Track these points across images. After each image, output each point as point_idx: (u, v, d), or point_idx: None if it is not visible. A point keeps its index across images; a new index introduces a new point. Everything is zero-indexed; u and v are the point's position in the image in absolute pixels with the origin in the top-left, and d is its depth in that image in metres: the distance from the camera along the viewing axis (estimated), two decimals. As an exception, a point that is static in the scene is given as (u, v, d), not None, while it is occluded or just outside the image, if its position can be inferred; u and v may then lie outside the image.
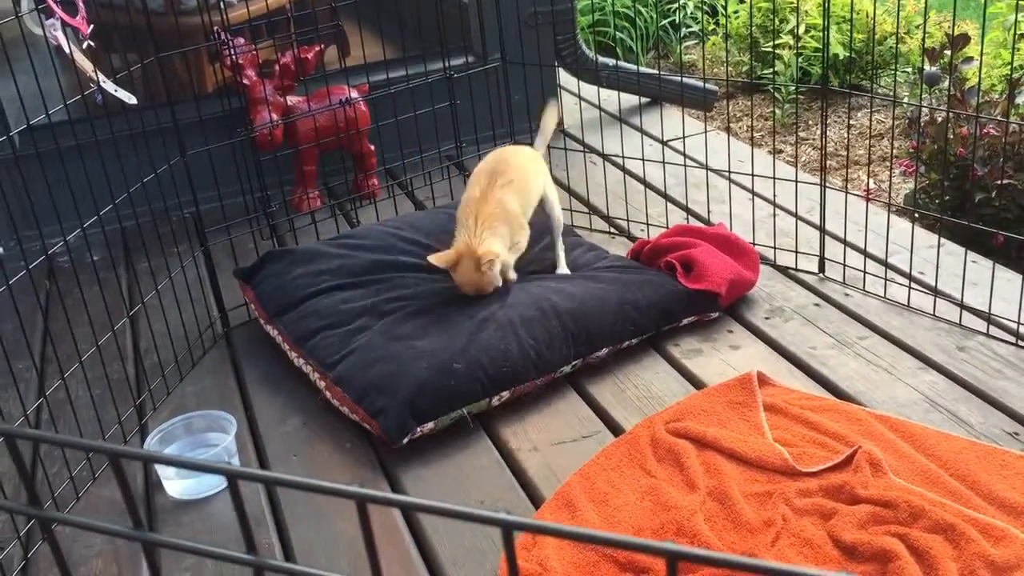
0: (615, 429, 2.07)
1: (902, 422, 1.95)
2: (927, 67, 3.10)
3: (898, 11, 2.20)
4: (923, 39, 2.39)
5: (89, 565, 1.82)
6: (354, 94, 3.00)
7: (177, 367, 2.36)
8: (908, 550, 1.61)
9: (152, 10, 2.60)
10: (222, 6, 2.79)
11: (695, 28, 5.16)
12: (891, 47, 3.97)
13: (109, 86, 1.97)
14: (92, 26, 2.00)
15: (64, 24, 1.99)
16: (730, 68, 4.71)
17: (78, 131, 2.12)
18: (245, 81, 2.86)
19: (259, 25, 3.07)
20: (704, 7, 5.25)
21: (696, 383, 2.18)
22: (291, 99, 2.97)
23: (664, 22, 5.25)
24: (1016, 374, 2.08)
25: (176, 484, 1.98)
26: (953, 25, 2.36)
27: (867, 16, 4.17)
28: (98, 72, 2.07)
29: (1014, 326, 2.18)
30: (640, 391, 2.18)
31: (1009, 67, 2.39)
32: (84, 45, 1.99)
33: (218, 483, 1.99)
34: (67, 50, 1.91)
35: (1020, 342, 2.17)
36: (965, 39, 3.15)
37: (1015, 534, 1.64)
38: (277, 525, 1.89)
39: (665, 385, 2.19)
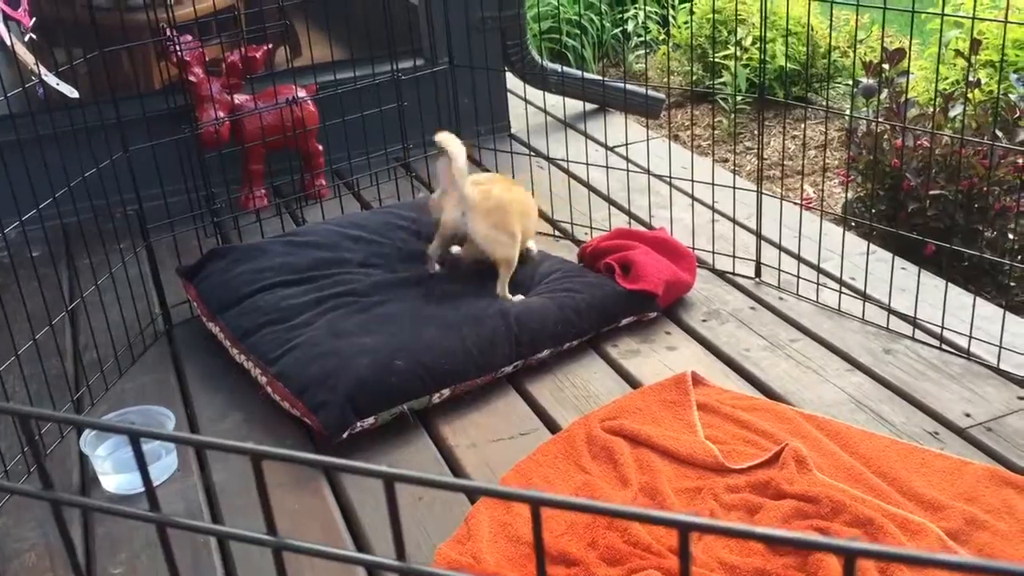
0: (552, 427, 2.10)
1: (828, 421, 2.01)
2: (864, 79, 3.19)
3: (831, 24, 2.27)
4: (855, 52, 2.47)
5: (21, 559, 1.82)
6: (302, 93, 3.01)
7: (116, 363, 2.35)
8: (829, 543, 1.66)
9: (97, 5, 2.59)
10: (169, 3, 2.79)
11: (645, 37, 5.24)
12: (831, 61, 4.07)
13: (51, 79, 1.97)
14: (35, 19, 2.00)
15: (6, 17, 1.98)
16: (679, 78, 4.79)
17: (19, 125, 2.11)
18: (191, 78, 2.86)
19: (207, 23, 3.07)
20: (655, 17, 5.33)
21: (633, 383, 2.23)
22: (238, 97, 2.97)
23: (615, 31, 5.32)
24: (939, 376, 2.16)
25: (112, 479, 1.98)
26: (882, 37, 2.43)
27: (812, 29, 4.27)
28: (40, 65, 2.07)
29: (938, 330, 2.26)
30: (578, 390, 2.22)
31: (936, 81, 2.47)
32: (26, 38, 1.99)
33: (155, 478, 1.99)
34: (8, 43, 1.90)
35: (944, 346, 2.25)
36: (901, 53, 3.25)
37: (931, 528, 1.70)
38: (214, 520, 1.90)
39: (602, 384, 2.23)
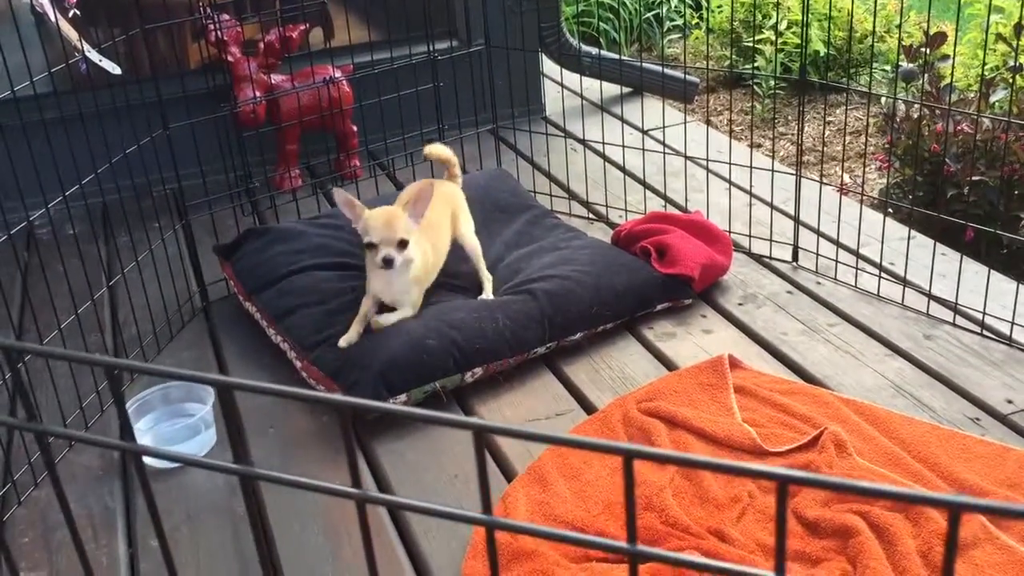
0: (589, 408, 2.10)
1: (868, 406, 1.99)
2: (903, 63, 3.15)
3: (875, 9, 2.24)
4: (899, 36, 2.43)
5: (64, 529, 1.84)
6: (338, 74, 3.01)
7: (155, 339, 2.38)
8: (869, 527, 1.65)
9: (138, -16, 2.60)
10: (208, -18, 2.80)
11: (679, 22, 5.21)
12: (870, 45, 4.02)
13: (94, 55, 1.98)
14: (78, -5, 2.01)
15: (50, -7, 2.00)
16: (712, 62, 4.75)
17: (62, 103, 2.13)
18: (229, 58, 2.87)
19: (244, 2, 3.08)
20: (688, 1, 5.29)
21: (669, 365, 2.22)
22: (275, 77, 2.98)
23: (648, 15, 5.28)
24: (979, 362, 2.13)
25: (153, 453, 2.00)
26: (928, 22, 2.40)
27: (848, 14, 4.22)
28: (83, 41, 2.08)
29: (979, 316, 2.23)
30: (614, 372, 2.22)
31: (983, 66, 2.44)
32: (70, 14, 2.00)
33: (195, 451, 2.01)
34: (52, 18, 1.92)
35: (985, 332, 2.22)
36: (942, 37, 3.20)
37: (972, 514, 1.69)
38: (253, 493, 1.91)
39: (639, 367, 2.23)
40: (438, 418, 0.46)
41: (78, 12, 2.04)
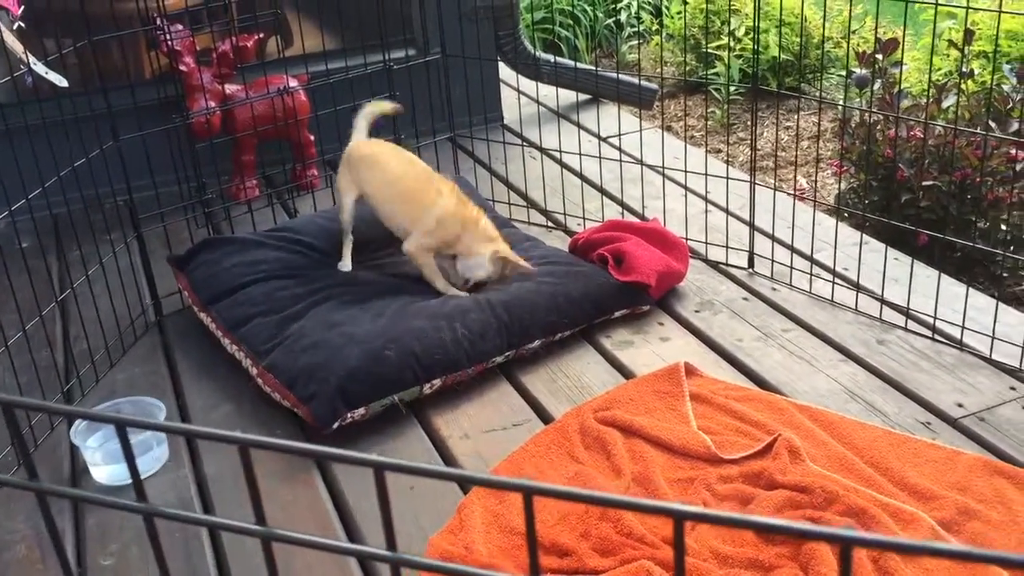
0: (545, 418, 2.10)
1: (821, 411, 2.01)
2: (856, 70, 3.18)
3: (824, 15, 2.26)
4: (848, 42, 2.46)
5: (12, 551, 1.81)
6: (293, 83, 2.99)
7: (107, 354, 2.34)
8: (821, 533, 1.66)
9: (87, -6, 2.56)
10: (159, -8, 2.77)
11: (639, 28, 5.23)
12: (825, 51, 4.07)
13: (39, 68, 1.95)
14: (23, 7, 1.98)
15: (-7, 5, 1.96)
16: (672, 68, 4.78)
17: (7, 115, 2.09)
18: (182, 68, 2.84)
19: (197, 11, 3.05)
20: (648, 7, 5.32)
21: (626, 374, 2.22)
22: (229, 87, 2.96)
23: (608, 21, 5.31)
24: (931, 367, 2.16)
25: (103, 470, 1.97)
26: (876, 27, 2.43)
27: (806, 20, 4.26)
28: (28, 54, 2.05)
29: (931, 321, 2.26)
30: (571, 381, 2.22)
31: (930, 71, 2.47)
32: (14, 26, 1.98)
33: (146, 469, 1.98)
34: (-4, 31, 1.89)
35: (936, 336, 2.25)
36: (894, 43, 3.24)
37: (923, 518, 1.70)
38: (205, 511, 1.89)
39: (596, 375, 2.23)
40: (336, 455, 0.45)
41: (22, 24, 2.01)
